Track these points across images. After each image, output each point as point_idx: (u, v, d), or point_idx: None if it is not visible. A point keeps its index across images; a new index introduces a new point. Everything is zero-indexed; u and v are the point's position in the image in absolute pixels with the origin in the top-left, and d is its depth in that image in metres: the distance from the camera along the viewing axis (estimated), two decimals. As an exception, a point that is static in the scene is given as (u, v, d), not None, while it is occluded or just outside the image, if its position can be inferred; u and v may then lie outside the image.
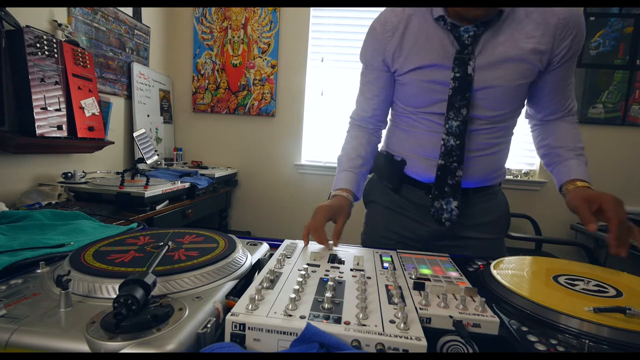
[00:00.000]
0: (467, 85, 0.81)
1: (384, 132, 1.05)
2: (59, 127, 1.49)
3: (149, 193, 1.50)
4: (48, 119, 1.45)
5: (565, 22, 0.79)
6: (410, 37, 0.86)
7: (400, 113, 0.96)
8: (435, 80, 0.84)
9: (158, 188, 1.60)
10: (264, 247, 0.72)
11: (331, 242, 0.75)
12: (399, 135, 0.98)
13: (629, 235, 0.68)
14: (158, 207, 1.62)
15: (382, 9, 0.93)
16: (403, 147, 0.96)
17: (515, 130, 0.94)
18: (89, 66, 1.68)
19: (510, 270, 0.64)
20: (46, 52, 1.45)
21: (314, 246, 0.74)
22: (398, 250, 0.74)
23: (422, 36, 0.84)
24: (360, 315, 0.42)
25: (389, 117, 1.03)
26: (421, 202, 0.94)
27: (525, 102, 0.94)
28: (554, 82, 0.86)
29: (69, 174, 1.58)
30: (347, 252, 0.71)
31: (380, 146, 1.06)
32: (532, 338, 0.43)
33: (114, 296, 0.40)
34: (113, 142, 1.89)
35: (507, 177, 2.35)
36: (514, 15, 0.80)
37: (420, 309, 0.46)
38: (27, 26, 1.40)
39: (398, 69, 0.89)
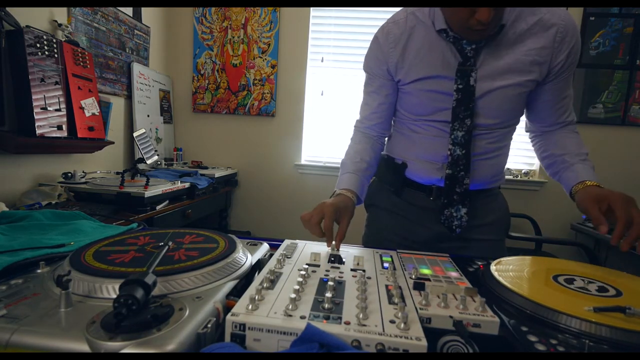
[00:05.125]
0: (470, 96, 0.83)
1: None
2: (59, 127, 1.49)
3: (149, 193, 1.50)
4: (48, 119, 1.45)
5: (563, 35, 0.80)
6: (412, 48, 0.87)
7: (402, 119, 0.97)
8: (438, 90, 0.86)
9: (158, 188, 1.60)
10: (264, 247, 0.72)
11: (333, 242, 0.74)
12: (400, 140, 0.99)
13: (635, 237, 0.64)
14: (158, 207, 1.62)
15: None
16: (404, 151, 0.97)
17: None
18: (89, 66, 1.68)
19: (510, 271, 0.64)
20: (46, 52, 1.45)
21: (314, 247, 0.74)
22: (398, 250, 0.74)
23: (425, 48, 0.85)
24: (361, 315, 0.42)
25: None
26: (423, 204, 0.95)
27: (525, 116, 0.95)
28: (551, 94, 0.87)
29: (69, 174, 1.58)
30: (347, 252, 0.71)
31: None
32: (532, 338, 0.43)
33: (114, 296, 0.40)
34: (113, 142, 1.89)
35: (507, 177, 2.35)
36: (515, 29, 0.80)
37: (420, 309, 0.46)
38: (27, 26, 1.40)
39: (402, 79, 0.90)
